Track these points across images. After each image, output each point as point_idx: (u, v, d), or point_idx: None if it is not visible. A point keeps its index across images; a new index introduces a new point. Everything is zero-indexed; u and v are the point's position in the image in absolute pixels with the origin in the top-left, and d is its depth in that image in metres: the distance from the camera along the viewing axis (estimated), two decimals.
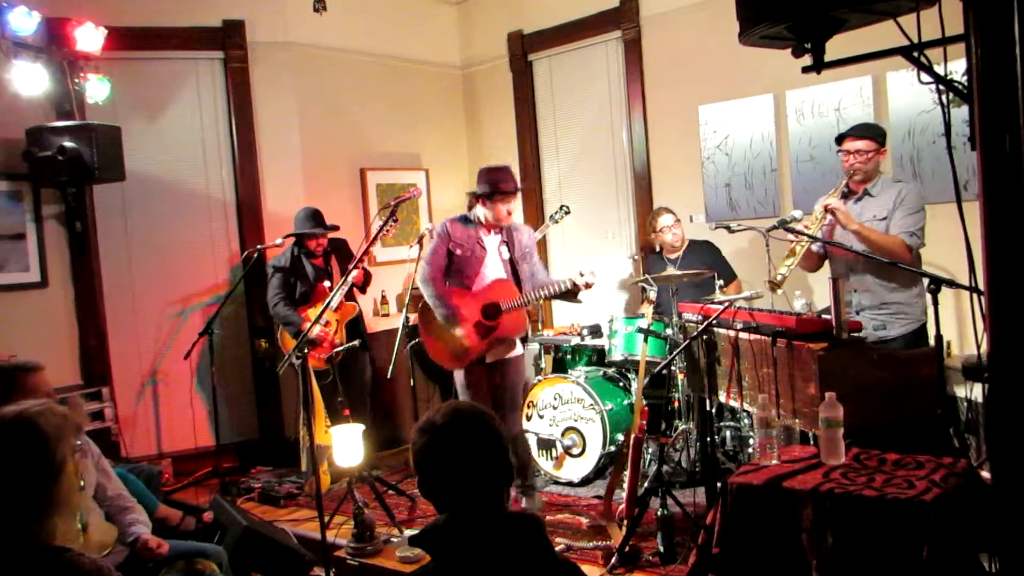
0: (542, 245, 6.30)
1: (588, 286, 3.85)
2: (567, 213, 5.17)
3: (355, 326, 5.01)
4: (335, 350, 4.67)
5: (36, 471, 1.63)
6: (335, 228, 5.01)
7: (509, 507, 1.76)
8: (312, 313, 4.84)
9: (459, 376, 4.13)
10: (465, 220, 4.13)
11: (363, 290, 5.02)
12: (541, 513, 4.08)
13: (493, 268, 4.09)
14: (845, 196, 3.80)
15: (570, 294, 3.92)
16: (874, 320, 3.69)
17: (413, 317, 4.32)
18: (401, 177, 6.13)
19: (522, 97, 6.36)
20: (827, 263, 3.97)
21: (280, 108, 5.58)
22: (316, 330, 4.78)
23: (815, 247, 3.83)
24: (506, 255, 4.12)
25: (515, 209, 4.11)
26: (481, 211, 4.06)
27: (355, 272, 4.63)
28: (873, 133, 3.77)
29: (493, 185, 3.98)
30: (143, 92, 5.28)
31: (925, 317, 3.64)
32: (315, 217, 4.96)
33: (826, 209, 3.65)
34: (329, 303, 3.74)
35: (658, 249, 5.19)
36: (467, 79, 6.75)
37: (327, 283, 4.88)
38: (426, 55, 6.47)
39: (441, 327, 4.05)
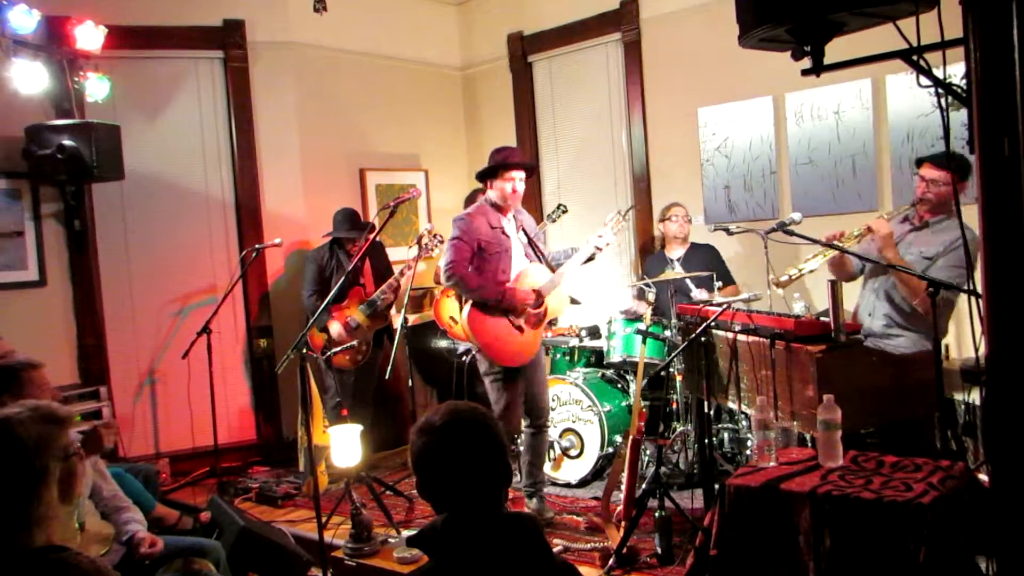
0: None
1: (607, 245, 4.00)
2: (564, 212, 5.16)
3: (384, 333, 5.09)
4: (333, 350, 4.69)
5: (13, 482, 1.59)
6: (372, 229, 5.04)
7: (508, 508, 1.76)
8: (347, 312, 4.93)
9: (495, 377, 3.92)
10: (483, 212, 3.93)
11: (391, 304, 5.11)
12: (547, 518, 4.00)
13: (519, 255, 3.99)
14: (907, 220, 3.60)
15: (590, 258, 4.02)
16: (885, 343, 3.53)
17: (412, 318, 4.32)
18: (400, 178, 6.13)
19: (522, 98, 6.36)
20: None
21: (280, 108, 5.57)
22: (335, 329, 4.88)
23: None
24: (524, 239, 4.02)
25: (521, 189, 3.94)
26: (491, 195, 3.94)
27: (394, 286, 4.84)
28: (954, 166, 3.32)
29: (499, 159, 3.87)
30: (143, 91, 5.27)
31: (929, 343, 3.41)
32: (352, 219, 5.02)
33: (868, 228, 3.44)
34: (330, 301, 3.74)
35: (659, 247, 5.20)
36: (467, 80, 6.75)
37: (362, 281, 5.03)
38: (426, 56, 6.47)
39: (497, 324, 3.86)
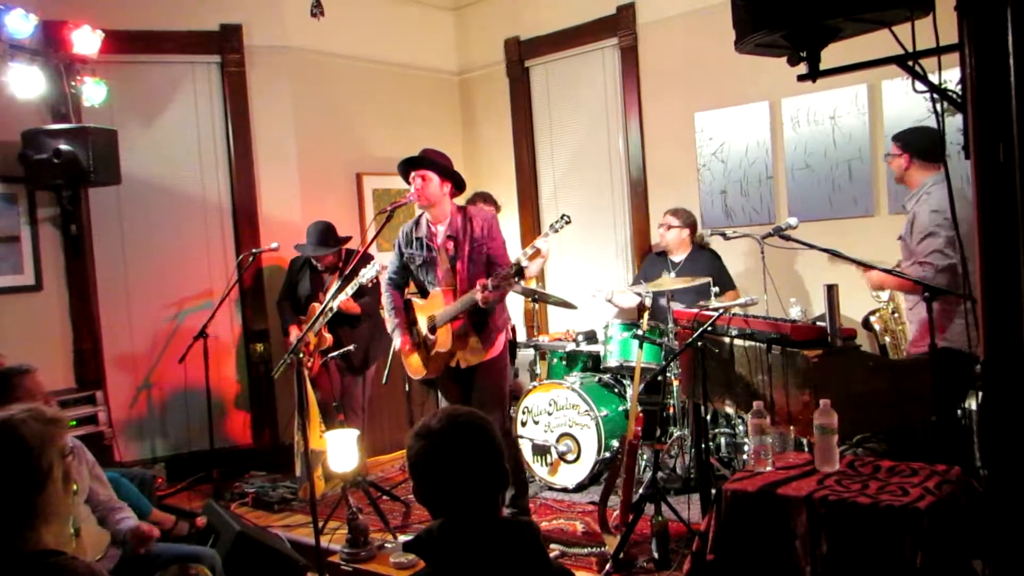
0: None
1: (487, 294, 3.56)
2: (568, 223, 5.08)
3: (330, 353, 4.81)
4: (328, 356, 4.67)
5: (19, 480, 1.62)
6: (330, 247, 4.88)
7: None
8: (304, 326, 4.86)
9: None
10: (416, 221, 3.95)
11: (355, 323, 4.90)
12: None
13: (441, 270, 3.85)
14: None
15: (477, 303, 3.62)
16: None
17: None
18: (397, 182, 6.10)
19: (518, 103, 6.37)
20: None
21: (277, 112, 5.58)
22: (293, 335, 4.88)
23: None
24: (453, 251, 3.80)
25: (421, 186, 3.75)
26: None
27: (342, 297, 4.45)
28: (899, 136, 3.70)
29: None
30: (140, 95, 5.27)
31: (946, 342, 3.42)
32: (321, 235, 4.89)
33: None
34: (315, 323, 3.72)
35: (656, 249, 5.20)
36: (464, 85, 6.76)
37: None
38: (423, 61, 6.48)
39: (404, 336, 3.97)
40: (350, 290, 4.32)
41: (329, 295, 4.47)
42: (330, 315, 4.57)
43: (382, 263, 4.34)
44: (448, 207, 3.84)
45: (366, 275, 4.23)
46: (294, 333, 4.93)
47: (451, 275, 3.83)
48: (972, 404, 3.81)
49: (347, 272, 4.08)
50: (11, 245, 4.78)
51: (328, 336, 4.80)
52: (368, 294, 4.73)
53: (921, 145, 3.58)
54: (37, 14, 4.39)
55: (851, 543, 2.40)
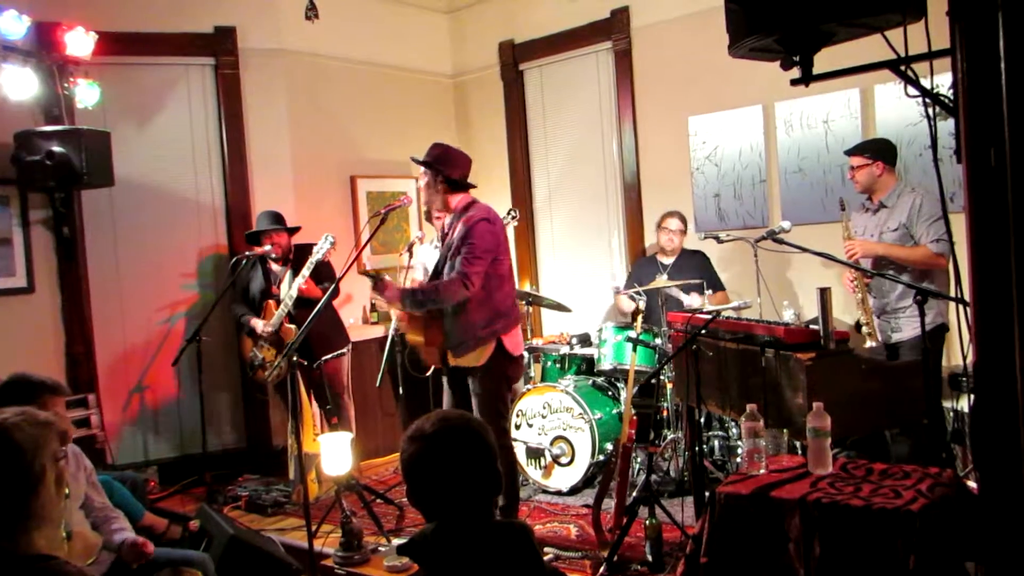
0: (530, 250, 6.30)
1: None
2: (514, 218, 5.10)
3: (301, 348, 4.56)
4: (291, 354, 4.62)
5: (12, 483, 1.62)
6: (283, 226, 4.88)
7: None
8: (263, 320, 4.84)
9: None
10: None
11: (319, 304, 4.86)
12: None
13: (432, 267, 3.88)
14: (866, 210, 4.10)
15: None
16: (888, 324, 3.95)
17: (404, 325, 4.28)
18: (391, 185, 6.13)
19: (513, 106, 6.37)
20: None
21: (271, 115, 5.56)
22: (260, 348, 4.85)
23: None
24: (445, 248, 3.75)
25: (435, 188, 3.73)
26: None
27: (300, 282, 4.48)
28: (864, 148, 4.05)
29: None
30: (133, 97, 5.26)
31: (939, 318, 3.80)
32: (268, 216, 4.91)
33: (857, 262, 3.90)
34: (308, 325, 3.67)
35: (650, 252, 5.20)
36: (458, 88, 6.77)
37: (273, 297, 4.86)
38: (417, 63, 6.48)
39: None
40: (306, 271, 4.35)
41: (285, 284, 4.56)
42: (290, 303, 4.58)
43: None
44: (450, 203, 3.72)
45: (321, 250, 4.35)
46: (255, 322, 4.83)
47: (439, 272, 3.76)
48: (964, 405, 3.84)
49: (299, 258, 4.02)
50: (3, 247, 4.75)
51: (291, 327, 4.70)
52: (328, 279, 4.64)
53: (887, 153, 4.01)
54: (30, 15, 4.37)
55: (844, 546, 2.41)
